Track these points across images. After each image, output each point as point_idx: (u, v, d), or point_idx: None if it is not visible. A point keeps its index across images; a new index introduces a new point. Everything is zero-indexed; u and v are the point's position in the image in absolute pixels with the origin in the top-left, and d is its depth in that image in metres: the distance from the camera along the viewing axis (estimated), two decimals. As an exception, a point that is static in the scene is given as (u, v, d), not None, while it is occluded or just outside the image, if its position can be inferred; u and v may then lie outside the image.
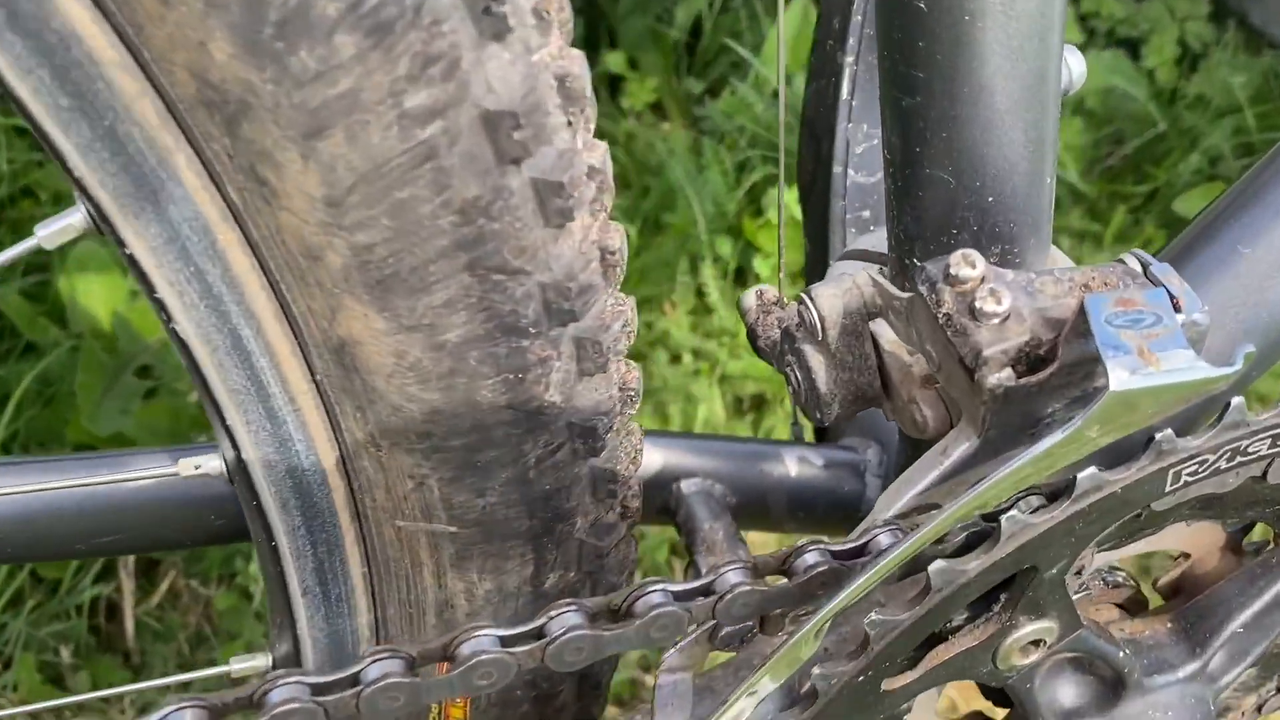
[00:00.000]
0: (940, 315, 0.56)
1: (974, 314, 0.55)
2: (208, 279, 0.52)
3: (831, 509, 0.86)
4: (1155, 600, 0.74)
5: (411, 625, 0.66)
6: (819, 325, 0.64)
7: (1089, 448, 0.53)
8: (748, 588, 0.57)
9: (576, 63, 0.51)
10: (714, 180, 1.73)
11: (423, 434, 0.56)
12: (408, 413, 0.55)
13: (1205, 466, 0.58)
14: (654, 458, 0.81)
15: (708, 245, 1.69)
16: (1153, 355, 0.52)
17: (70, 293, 1.57)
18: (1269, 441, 0.59)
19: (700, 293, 1.68)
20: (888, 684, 0.62)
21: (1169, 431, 0.56)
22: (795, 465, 0.85)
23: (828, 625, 0.56)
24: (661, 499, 0.82)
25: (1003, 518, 0.56)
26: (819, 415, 0.66)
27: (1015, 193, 0.59)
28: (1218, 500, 0.63)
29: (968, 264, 0.57)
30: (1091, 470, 0.55)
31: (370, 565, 0.64)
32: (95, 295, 1.61)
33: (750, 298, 0.70)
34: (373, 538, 0.62)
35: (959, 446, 0.58)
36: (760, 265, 1.72)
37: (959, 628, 0.64)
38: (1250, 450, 0.59)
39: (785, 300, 0.71)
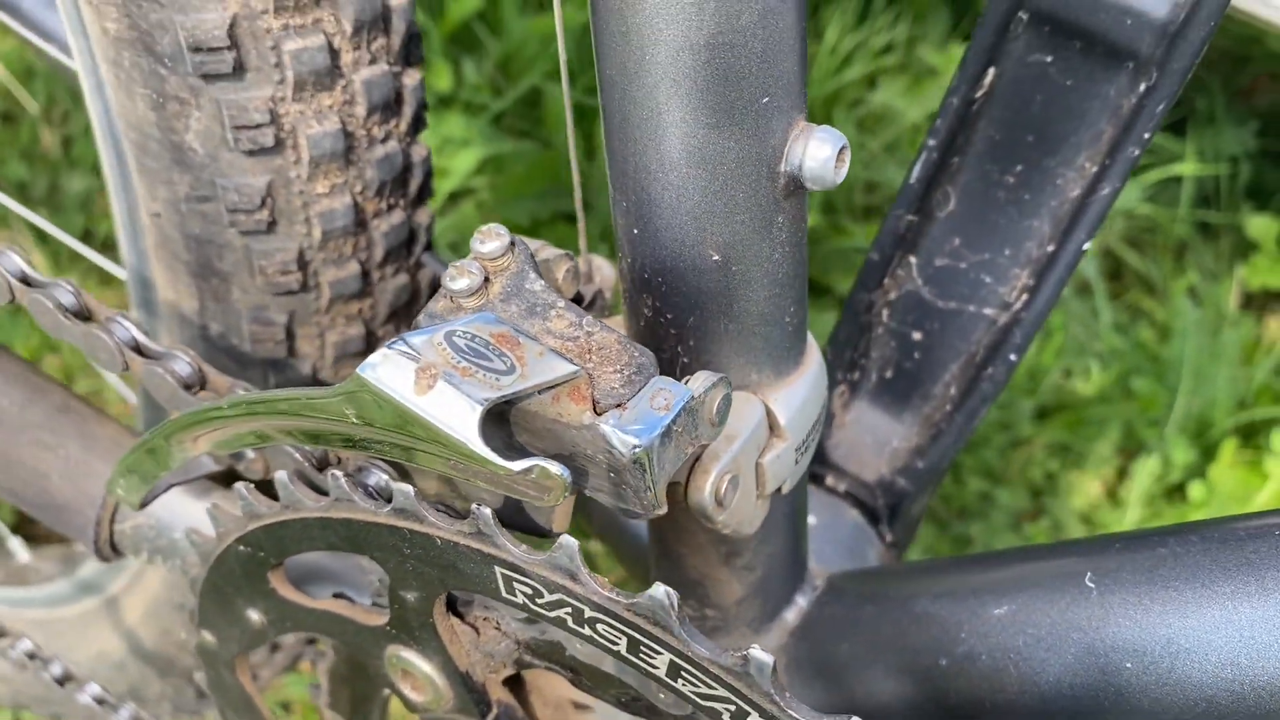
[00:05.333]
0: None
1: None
2: None
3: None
4: None
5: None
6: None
7: (359, 434, 0.48)
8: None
9: None
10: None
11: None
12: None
13: (540, 600, 0.48)
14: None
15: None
16: (432, 380, 0.45)
17: None
18: (610, 624, 0.47)
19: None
20: (277, 580, 0.61)
21: (486, 511, 0.48)
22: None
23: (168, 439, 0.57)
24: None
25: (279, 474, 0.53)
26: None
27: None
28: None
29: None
30: (406, 488, 0.49)
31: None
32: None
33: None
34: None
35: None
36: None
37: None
38: (599, 629, 0.48)
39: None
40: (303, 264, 0.67)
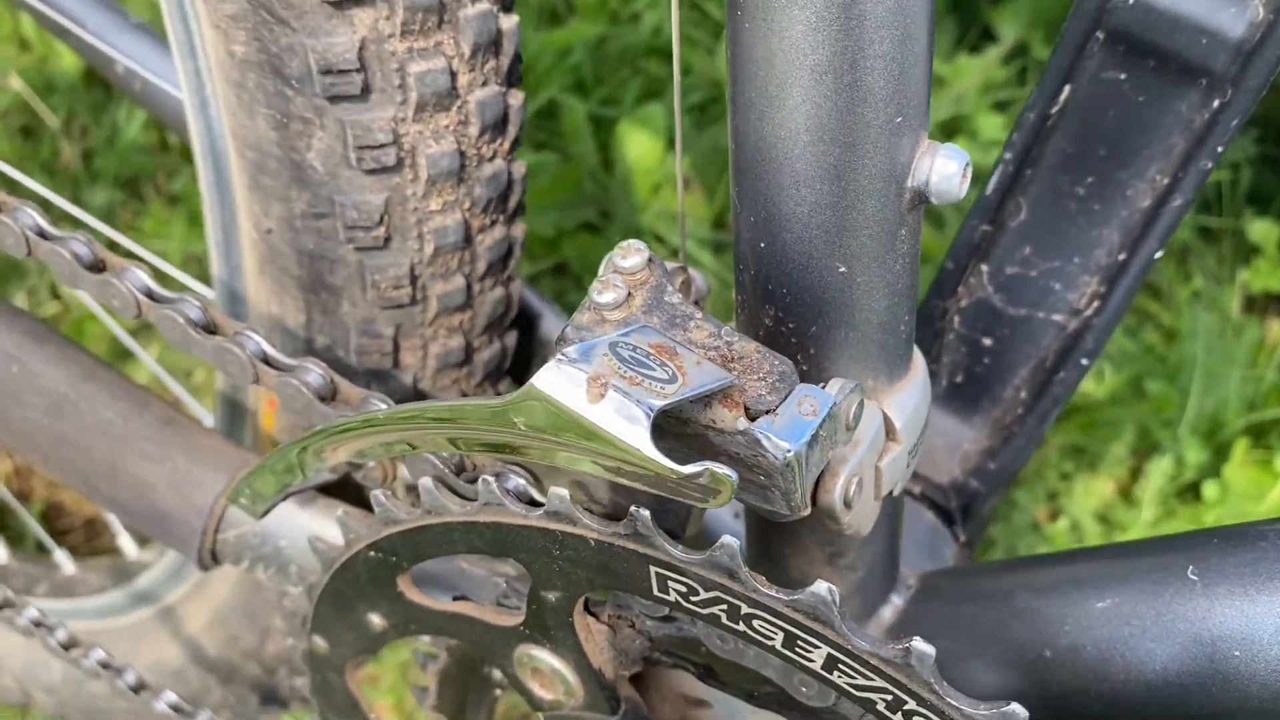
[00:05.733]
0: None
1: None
2: None
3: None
4: None
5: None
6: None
7: (523, 441, 0.50)
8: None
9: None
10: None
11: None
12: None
13: (694, 598, 0.51)
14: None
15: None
16: (603, 390, 0.47)
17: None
18: (768, 621, 0.49)
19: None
20: (405, 584, 0.63)
21: (644, 512, 0.50)
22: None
23: (302, 455, 0.59)
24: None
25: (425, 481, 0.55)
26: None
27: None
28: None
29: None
30: (558, 492, 0.52)
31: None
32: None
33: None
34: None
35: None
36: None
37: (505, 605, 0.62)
38: (754, 624, 0.50)
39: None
40: (413, 278, 0.69)
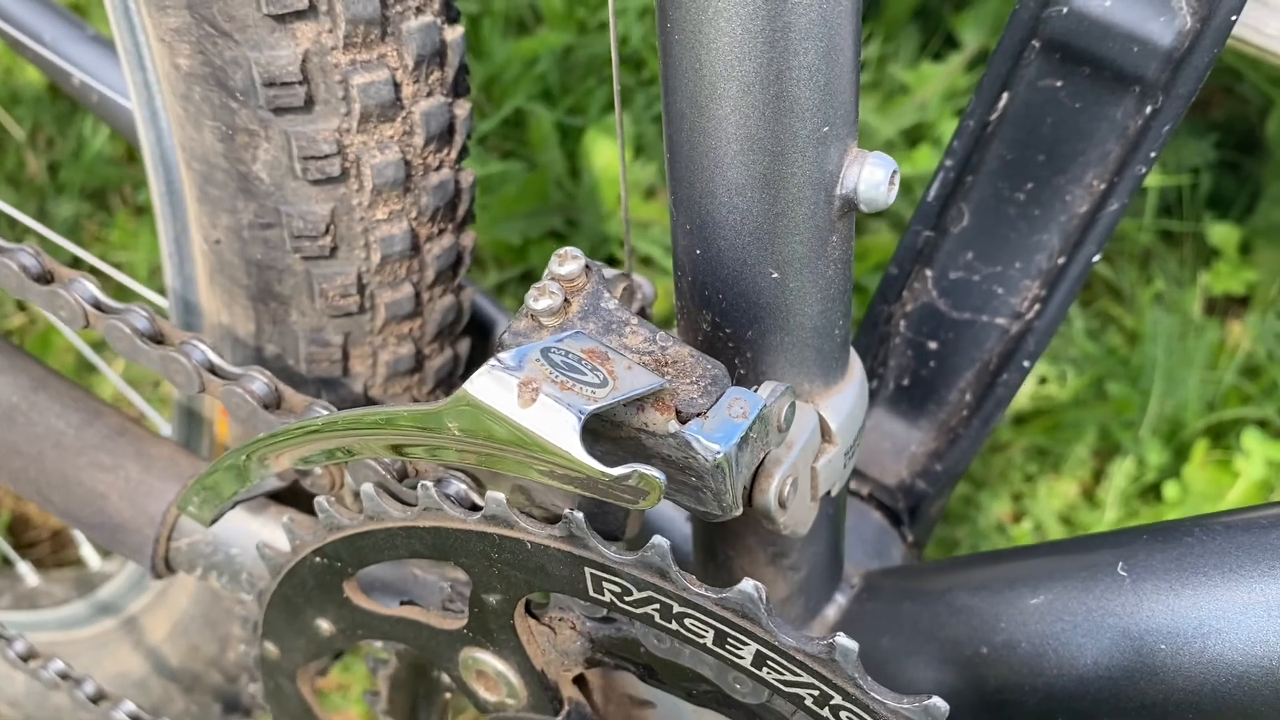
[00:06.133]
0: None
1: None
2: None
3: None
4: None
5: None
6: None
7: (458, 446, 0.51)
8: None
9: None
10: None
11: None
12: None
13: (629, 598, 0.52)
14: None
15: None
16: (533, 394, 0.48)
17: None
18: (700, 620, 0.50)
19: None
20: (351, 590, 0.64)
21: (579, 515, 0.51)
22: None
23: (248, 460, 0.59)
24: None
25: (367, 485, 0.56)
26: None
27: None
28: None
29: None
30: (495, 497, 0.53)
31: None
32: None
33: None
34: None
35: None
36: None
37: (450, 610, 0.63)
38: (686, 623, 0.51)
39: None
40: (361, 287, 0.69)
